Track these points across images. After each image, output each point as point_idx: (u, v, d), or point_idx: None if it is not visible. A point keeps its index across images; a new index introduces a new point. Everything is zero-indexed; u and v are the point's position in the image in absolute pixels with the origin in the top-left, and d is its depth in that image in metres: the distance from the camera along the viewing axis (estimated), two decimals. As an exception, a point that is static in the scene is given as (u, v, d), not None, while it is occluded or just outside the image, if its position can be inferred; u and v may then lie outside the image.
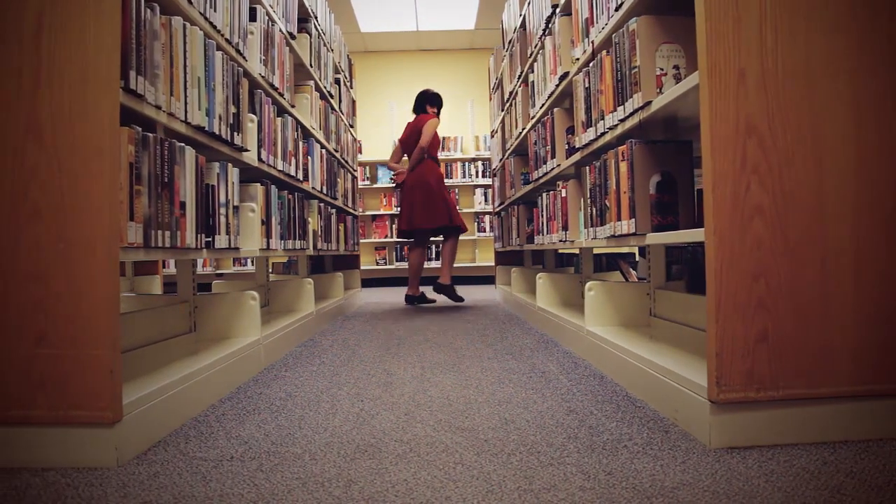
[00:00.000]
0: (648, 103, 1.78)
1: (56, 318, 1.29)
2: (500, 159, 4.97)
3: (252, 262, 6.64)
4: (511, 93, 4.41)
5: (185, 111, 1.75)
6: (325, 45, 4.31)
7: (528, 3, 3.64)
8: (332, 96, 4.48)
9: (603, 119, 2.15)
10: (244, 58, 2.33)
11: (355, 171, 5.72)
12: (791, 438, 1.34)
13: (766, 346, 1.34)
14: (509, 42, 4.56)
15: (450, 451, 1.36)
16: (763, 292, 1.34)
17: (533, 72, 3.56)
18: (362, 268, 6.59)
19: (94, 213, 1.30)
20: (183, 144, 1.72)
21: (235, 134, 2.13)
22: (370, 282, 7.94)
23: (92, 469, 1.28)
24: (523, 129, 3.89)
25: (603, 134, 2.17)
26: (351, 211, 5.21)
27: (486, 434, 1.47)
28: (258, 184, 2.51)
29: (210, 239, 1.91)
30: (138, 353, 1.90)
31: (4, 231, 1.29)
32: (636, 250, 4.08)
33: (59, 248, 1.29)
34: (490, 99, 6.01)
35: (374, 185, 8.33)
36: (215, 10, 2.03)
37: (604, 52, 2.12)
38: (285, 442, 1.45)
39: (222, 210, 2.01)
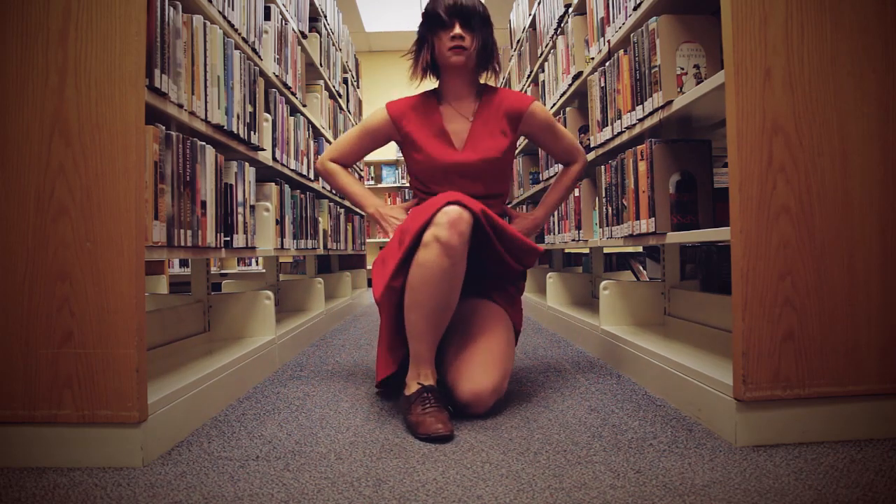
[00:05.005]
0: (669, 102, 1.78)
1: (83, 317, 1.29)
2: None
3: (256, 261, 6.64)
4: (519, 92, 4.41)
5: (206, 110, 1.75)
6: (333, 44, 4.31)
7: (539, 3, 3.64)
8: (340, 96, 4.48)
9: (620, 118, 2.15)
10: (259, 57, 2.33)
11: (361, 170, 5.72)
12: (817, 436, 1.34)
13: (792, 345, 1.34)
14: (517, 41, 4.56)
15: (475, 449, 1.36)
16: (790, 291, 1.34)
17: (543, 71, 3.56)
18: (368, 267, 6.59)
19: (120, 212, 1.30)
20: (204, 143, 1.72)
21: (252, 133, 2.13)
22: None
23: (118, 469, 1.28)
24: (532, 128, 3.88)
25: (620, 133, 2.17)
26: (358, 211, 5.22)
27: (510, 433, 1.47)
28: (272, 183, 2.51)
29: (228, 238, 1.91)
30: (155, 353, 1.91)
31: (32, 230, 1.29)
32: (640, 249, 4.07)
33: (85, 247, 1.29)
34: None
35: (379, 185, 8.33)
36: (233, 9, 2.03)
37: (621, 52, 2.11)
38: (309, 441, 1.44)
39: (240, 209, 2.01)
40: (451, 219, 1.51)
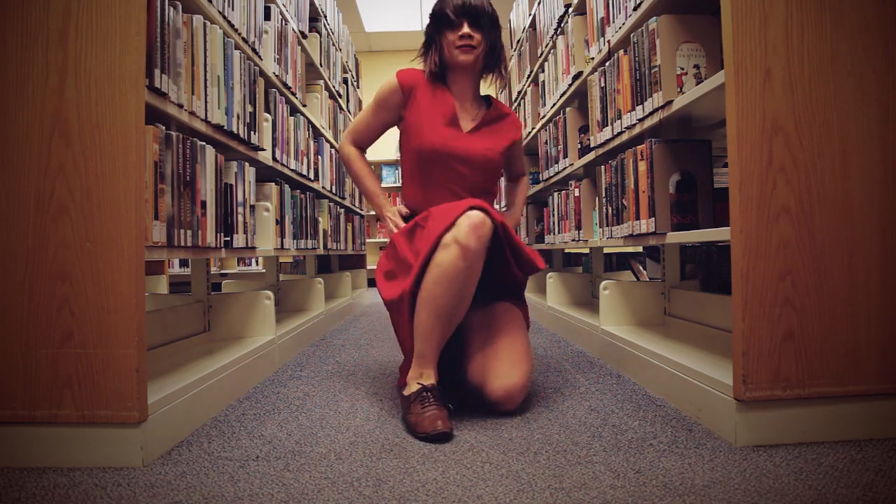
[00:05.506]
0: (669, 102, 1.77)
1: (83, 317, 1.29)
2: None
3: (256, 261, 6.64)
4: (520, 92, 4.41)
5: (206, 110, 1.75)
6: (333, 44, 4.31)
7: (539, 3, 3.64)
8: (340, 96, 4.48)
9: (620, 118, 2.14)
10: (259, 57, 2.33)
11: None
12: (817, 436, 1.34)
13: (792, 345, 1.34)
14: (517, 41, 4.56)
15: (475, 449, 1.36)
16: (790, 291, 1.34)
17: (543, 71, 3.56)
18: (368, 267, 6.58)
19: (120, 212, 1.30)
20: (204, 143, 1.72)
21: (252, 133, 2.13)
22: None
23: (118, 469, 1.28)
24: (533, 128, 3.89)
25: (620, 133, 2.17)
26: (358, 211, 5.21)
27: (510, 433, 1.47)
28: (272, 183, 2.51)
29: (229, 238, 1.91)
30: (155, 353, 1.91)
31: (32, 230, 1.29)
32: (640, 249, 4.07)
33: (85, 247, 1.29)
34: (497, 98, 6.00)
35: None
36: (233, 9, 2.03)
37: (621, 52, 2.11)
38: (309, 441, 1.44)
39: (240, 209, 2.01)
40: (473, 223, 1.51)
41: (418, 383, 1.57)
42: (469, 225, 1.51)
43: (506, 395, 1.61)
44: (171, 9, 1.54)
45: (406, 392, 1.59)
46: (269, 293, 2.33)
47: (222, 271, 6.06)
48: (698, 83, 1.75)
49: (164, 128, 1.49)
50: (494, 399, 1.61)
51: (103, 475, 1.25)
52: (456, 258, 1.51)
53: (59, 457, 1.30)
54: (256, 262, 6.66)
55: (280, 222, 2.59)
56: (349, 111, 4.98)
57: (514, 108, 4.72)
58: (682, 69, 1.79)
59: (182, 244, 1.58)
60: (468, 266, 1.52)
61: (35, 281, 1.29)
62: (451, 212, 1.56)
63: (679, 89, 1.79)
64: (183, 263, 5.76)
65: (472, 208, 1.54)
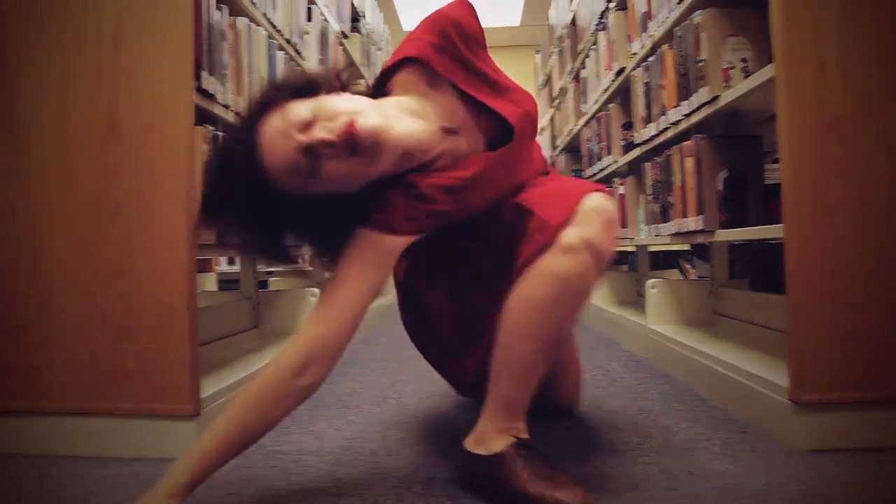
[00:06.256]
0: (716, 97, 1.74)
1: (139, 312, 1.33)
2: (550, 156, 4.94)
3: (303, 259, 6.71)
4: (561, 89, 4.38)
5: (253, 111, 1.78)
6: (374, 44, 4.34)
7: (580, -2, 3.61)
8: (380, 95, 4.51)
9: (665, 114, 2.11)
10: (302, 57, 2.36)
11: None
12: (880, 442, 1.29)
13: (851, 346, 1.30)
14: (558, 38, 4.52)
15: (523, 448, 1.35)
16: (847, 290, 1.29)
17: (584, 68, 3.53)
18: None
19: (173, 211, 1.33)
20: (251, 144, 1.75)
21: (297, 134, 2.16)
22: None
23: (174, 460, 1.31)
24: (575, 125, 3.85)
25: (665, 129, 2.14)
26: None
27: (559, 433, 1.46)
28: (316, 183, 2.54)
29: (276, 237, 1.94)
30: (206, 349, 1.94)
31: (90, 229, 1.34)
32: (687, 247, 4.00)
33: (140, 246, 1.33)
34: (538, 96, 5.98)
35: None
36: (276, 11, 2.06)
37: (665, 47, 2.08)
38: (358, 437, 1.46)
39: (286, 209, 2.04)
40: (607, 219, 1.05)
41: (513, 436, 1.10)
42: (603, 221, 1.04)
43: (576, 398, 1.60)
44: (217, 12, 1.57)
45: (484, 451, 1.10)
46: (316, 290, 2.36)
47: (269, 269, 6.14)
48: (746, 77, 1.71)
49: (211, 128, 1.52)
50: (566, 403, 1.58)
51: (162, 466, 1.28)
52: (587, 268, 1.03)
53: (119, 447, 1.34)
54: (303, 259, 6.72)
55: (324, 221, 2.62)
56: (390, 111, 5.00)
57: (554, 104, 4.68)
58: (730, 63, 1.75)
59: (231, 242, 1.61)
60: (598, 280, 1.08)
61: (94, 278, 1.34)
62: (568, 194, 1.06)
63: (726, 84, 1.75)
64: (230, 261, 5.86)
65: (595, 191, 1.07)
